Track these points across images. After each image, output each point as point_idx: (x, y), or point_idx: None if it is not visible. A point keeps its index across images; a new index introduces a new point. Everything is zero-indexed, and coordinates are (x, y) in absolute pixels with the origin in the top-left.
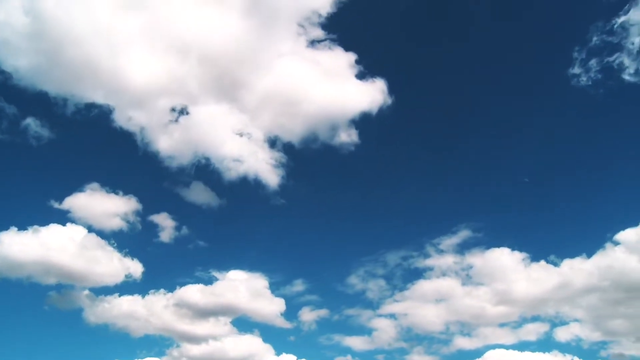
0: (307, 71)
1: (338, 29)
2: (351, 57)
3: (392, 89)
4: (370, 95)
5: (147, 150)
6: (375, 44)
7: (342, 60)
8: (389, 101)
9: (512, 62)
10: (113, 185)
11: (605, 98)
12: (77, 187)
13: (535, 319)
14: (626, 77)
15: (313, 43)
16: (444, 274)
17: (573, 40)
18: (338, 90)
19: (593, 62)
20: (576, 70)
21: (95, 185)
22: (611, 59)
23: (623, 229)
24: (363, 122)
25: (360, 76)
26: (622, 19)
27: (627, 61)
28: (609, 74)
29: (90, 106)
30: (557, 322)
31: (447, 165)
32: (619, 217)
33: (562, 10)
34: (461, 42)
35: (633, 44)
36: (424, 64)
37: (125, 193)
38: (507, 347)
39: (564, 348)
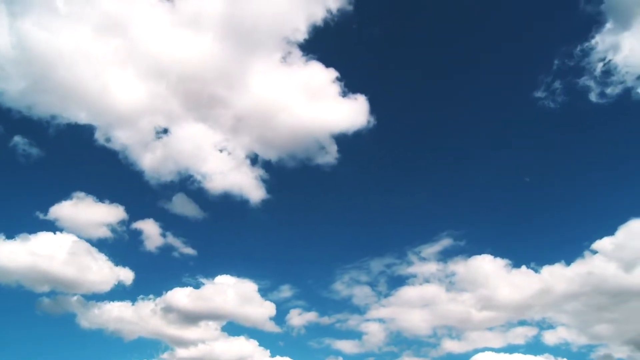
0: (286, 88)
1: (319, 47)
2: (332, 74)
3: (372, 105)
4: (351, 111)
5: (131, 168)
6: (356, 62)
7: (322, 78)
8: (370, 117)
9: (484, 84)
10: (99, 194)
11: (574, 117)
12: (63, 196)
13: (522, 323)
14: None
15: (293, 60)
16: (427, 280)
17: (539, 65)
18: (318, 107)
19: (558, 85)
20: (541, 94)
21: (81, 194)
22: (576, 81)
23: (600, 237)
24: (344, 137)
25: (341, 93)
26: (586, 44)
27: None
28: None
29: (75, 126)
30: (544, 326)
31: (427, 178)
32: (595, 227)
33: (529, 36)
34: (437, 65)
35: (595, 69)
36: (403, 83)
37: (112, 202)
38: (496, 350)
39: (552, 351)
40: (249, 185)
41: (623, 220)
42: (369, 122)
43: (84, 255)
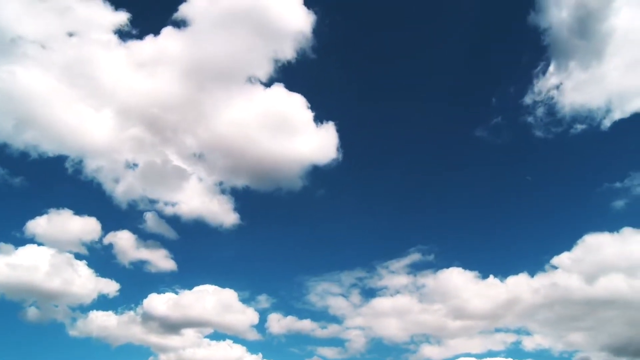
0: (255, 117)
1: (284, 79)
2: (298, 104)
3: (340, 132)
4: (319, 138)
5: (104, 193)
6: (321, 92)
7: (288, 109)
8: (337, 143)
9: (445, 110)
10: (75, 208)
11: (523, 146)
12: (39, 211)
13: (498, 330)
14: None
15: (258, 92)
16: (398, 292)
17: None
18: (288, 136)
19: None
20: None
21: (56, 210)
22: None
23: (559, 252)
24: (311, 164)
25: (309, 122)
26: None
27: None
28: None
29: (49, 157)
30: (521, 333)
31: (393, 199)
32: (555, 242)
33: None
34: (400, 96)
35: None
36: (369, 112)
37: (87, 215)
38: (477, 357)
39: (534, 356)
40: (219, 211)
41: (579, 235)
42: (337, 148)
43: (64, 267)
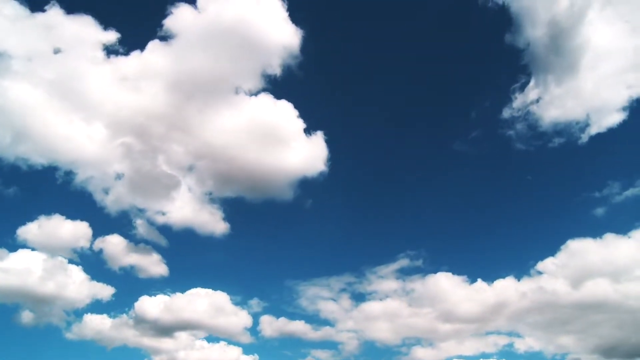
0: (243, 128)
1: (277, 89)
2: (291, 114)
3: (329, 143)
4: (308, 149)
5: (94, 203)
6: (313, 105)
7: (280, 118)
8: (327, 153)
9: (436, 118)
10: (66, 214)
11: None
12: (32, 217)
13: (489, 333)
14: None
15: (248, 104)
16: (388, 296)
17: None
18: (278, 147)
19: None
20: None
21: (49, 215)
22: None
23: (544, 257)
24: (301, 174)
25: (299, 133)
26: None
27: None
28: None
29: (40, 169)
30: (512, 336)
31: (381, 207)
32: (540, 248)
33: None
34: (387, 107)
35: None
36: (358, 124)
37: (78, 220)
38: (470, 358)
39: (526, 358)
40: (209, 221)
41: (562, 241)
42: (326, 159)
43: (58, 272)
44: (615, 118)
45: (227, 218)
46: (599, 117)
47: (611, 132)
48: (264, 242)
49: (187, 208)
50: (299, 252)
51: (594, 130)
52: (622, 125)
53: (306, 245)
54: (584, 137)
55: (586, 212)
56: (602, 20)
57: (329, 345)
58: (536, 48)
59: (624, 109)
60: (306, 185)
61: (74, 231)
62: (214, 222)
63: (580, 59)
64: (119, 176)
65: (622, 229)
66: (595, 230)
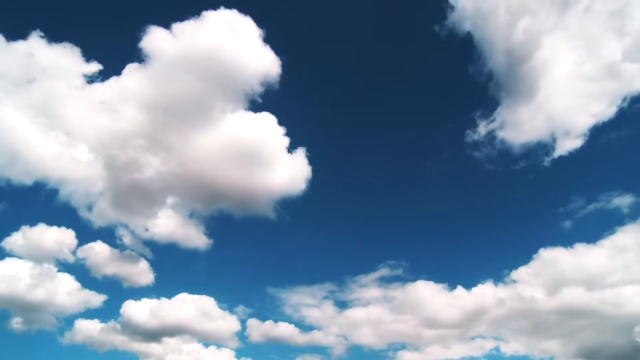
0: (225, 148)
1: (258, 108)
2: (272, 133)
3: (310, 158)
4: (293, 166)
5: (79, 219)
6: (295, 123)
7: (261, 138)
8: (308, 169)
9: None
10: (52, 223)
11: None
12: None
13: (473, 338)
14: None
15: (226, 123)
16: (370, 303)
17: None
18: (259, 165)
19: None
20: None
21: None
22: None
23: (517, 267)
24: (286, 193)
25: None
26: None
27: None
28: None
29: (31, 186)
30: (498, 339)
31: (361, 220)
32: (514, 256)
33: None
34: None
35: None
36: (339, 142)
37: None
38: None
39: None
40: (192, 236)
41: (535, 250)
42: (308, 176)
43: (48, 279)
44: (576, 142)
45: (209, 234)
46: (562, 139)
47: (572, 153)
48: (246, 255)
49: (170, 224)
50: (280, 262)
51: (557, 152)
52: (583, 147)
53: (287, 256)
54: (548, 159)
55: (555, 224)
56: (558, 46)
57: (317, 350)
58: (498, 75)
59: (583, 133)
60: (288, 201)
61: (60, 240)
62: (196, 238)
63: (538, 84)
64: (102, 194)
65: (591, 239)
66: (565, 240)
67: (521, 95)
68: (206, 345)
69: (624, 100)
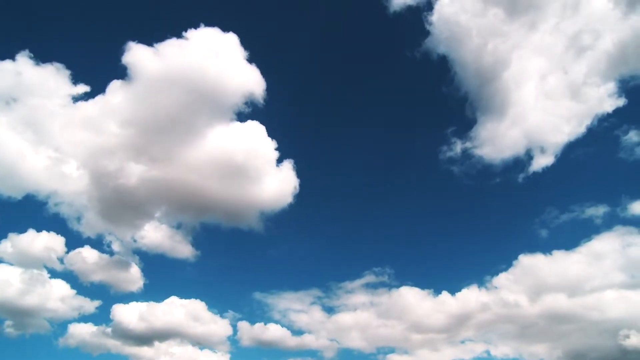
0: (210, 162)
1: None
2: (258, 147)
3: (299, 171)
4: (281, 178)
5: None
6: (281, 137)
7: (247, 151)
8: (299, 183)
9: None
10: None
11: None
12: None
13: (463, 341)
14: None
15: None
16: (357, 308)
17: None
18: (246, 178)
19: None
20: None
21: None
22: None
23: (497, 273)
24: (273, 205)
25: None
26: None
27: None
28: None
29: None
30: (486, 342)
31: (346, 228)
32: (495, 263)
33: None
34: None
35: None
36: (326, 154)
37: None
38: None
39: None
40: (179, 247)
41: (514, 256)
42: (295, 187)
43: (41, 284)
44: (549, 158)
45: (196, 245)
46: (535, 155)
47: (546, 169)
48: (232, 263)
49: (157, 236)
50: (266, 269)
51: (531, 167)
52: (555, 163)
53: (273, 263)
54: (522, 174)
55: (532, 232)
56: (527, 66)
57: (308, 353)
58: (472, 95)
59: (555, 149)
60: (275, 212)
61: (50, 245)
62: (183, 249)
63: (510, 104)
64: (90, 206)
65: (569, 246)
66: (543, 247)
67: (495, 114)
68: (201, 348)
69: (591, 118)
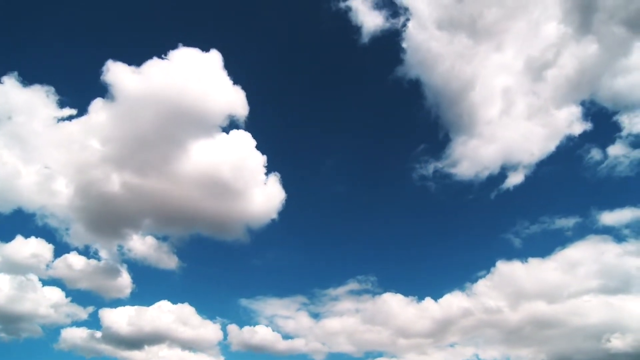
0: (195, 177)
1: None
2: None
3: (285, 185)
4: (267, 191)
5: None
6: (267, 152)
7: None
8: (284, 195)
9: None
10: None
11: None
12: None
13: (452, 345)
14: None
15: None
16: (343, 314)
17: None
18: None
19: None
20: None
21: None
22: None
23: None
24: (259, 219)
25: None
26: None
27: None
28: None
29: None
30: (474, 345)
31: (330, 242)
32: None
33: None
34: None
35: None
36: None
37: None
38: None
39: None
40: (164, 259)
41: (492, 263)
42: (281, 200)
43: (33, 290)
44: (519, 175)
45: (182, 257)
46: (507, 173)
47: (517, 185)
48: (217, 272)
49: (143, 249)
50: (251, 277)
51: (504, 184)
52: (525, 181)
53: (258, 271)
54: (494, 190)
55: (507, 242)
56: (493, 87)
57: (298, 358)
58: (445, 119)
59: (525, 167)
60: (261, 225)
61: (38, 252)
62: (168, 260)
63: (480, 124)
64: (76, 220)
65: (543, 254)
66: (519, 255)
67: (466, 134)
68: (194, 351)
69: (560, 138)
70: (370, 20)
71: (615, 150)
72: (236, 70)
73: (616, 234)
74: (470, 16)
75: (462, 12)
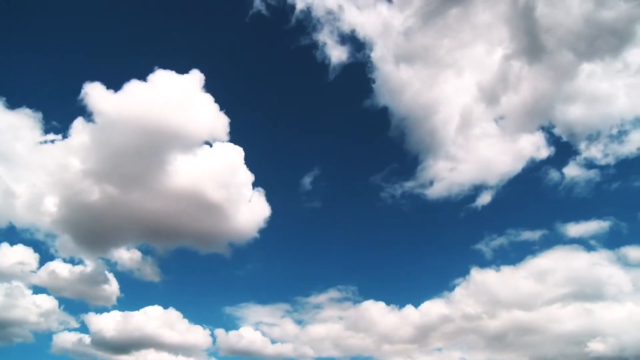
0: (179, 193)
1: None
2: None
3: (269, 199)
4: (251, 207)
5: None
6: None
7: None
8: (268, 208)
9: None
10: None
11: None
12: None
13: (439, 349)
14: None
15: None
16: (327, 321)
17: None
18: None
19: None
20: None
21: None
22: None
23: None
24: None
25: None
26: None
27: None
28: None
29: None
30: (458, 349)
31: (311, 252)
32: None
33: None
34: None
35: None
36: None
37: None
38: None
39: None
40: (147, 271)
41: (467, 271)
42: (266, 215)
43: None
44: (487, 195)
45: (166, 270)
46: (476, 191)
47: (484, 207)
48: (201, 283)
49: (128, 263)
50: (234, 287)
51: (475, 202)
52: (492, 200)
53: (240, 282)
54: (462, 209)
55: (478, 252)
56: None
57: None
58: (413, 139)
59: (492, 186)
60: (245, 238)
61: (24, 259)
62: (152, 274)
63: (449, 146)
64: (62, 235)
65: (514, 262)
66: (491, 263)
67: (435, 156)
68: (185, 354)
69: (525, 160)
70: (337, 54)
71: (572, 171)
72: (217, 91)
73: (586, 244)
74: (425, 48)
75: (416, 44)
